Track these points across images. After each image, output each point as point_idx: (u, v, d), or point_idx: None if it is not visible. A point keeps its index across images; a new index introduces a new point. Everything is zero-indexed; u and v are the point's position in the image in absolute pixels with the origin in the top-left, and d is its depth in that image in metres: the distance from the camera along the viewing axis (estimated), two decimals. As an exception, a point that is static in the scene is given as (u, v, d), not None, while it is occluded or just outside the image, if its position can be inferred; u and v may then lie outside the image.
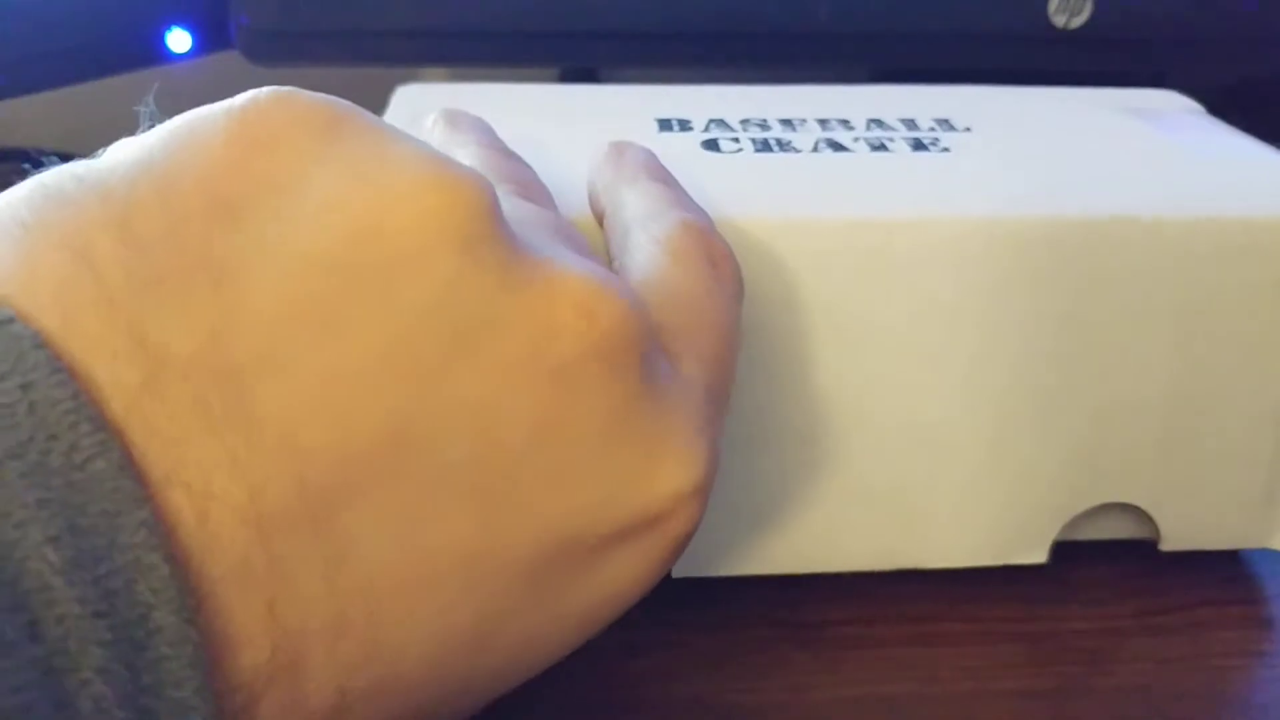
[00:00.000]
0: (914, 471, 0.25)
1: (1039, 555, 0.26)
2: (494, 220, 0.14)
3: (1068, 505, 0.26)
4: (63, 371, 0.11)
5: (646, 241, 0.19)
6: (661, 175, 0.22)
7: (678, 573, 0.24)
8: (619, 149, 0.23)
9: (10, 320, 0.12)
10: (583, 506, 0.15)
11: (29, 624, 0.10)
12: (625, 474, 0.15)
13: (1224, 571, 0.29)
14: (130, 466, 0.11)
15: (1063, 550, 0.27)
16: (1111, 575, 0.29)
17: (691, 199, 0.22)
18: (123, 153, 0.14)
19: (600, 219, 0.22)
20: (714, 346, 0.18)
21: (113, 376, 0.12)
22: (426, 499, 0.13)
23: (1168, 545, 0.26)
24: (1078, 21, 0.39)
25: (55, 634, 0.10)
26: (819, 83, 0.34)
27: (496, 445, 0.14)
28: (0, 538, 0.10)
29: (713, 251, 0.19)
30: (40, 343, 0.12)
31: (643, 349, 0.15)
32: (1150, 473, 0.26)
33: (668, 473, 0.16)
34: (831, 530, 0.25)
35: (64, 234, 0.13)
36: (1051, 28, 0.39)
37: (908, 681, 0.26)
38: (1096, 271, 0.25)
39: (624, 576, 0.16)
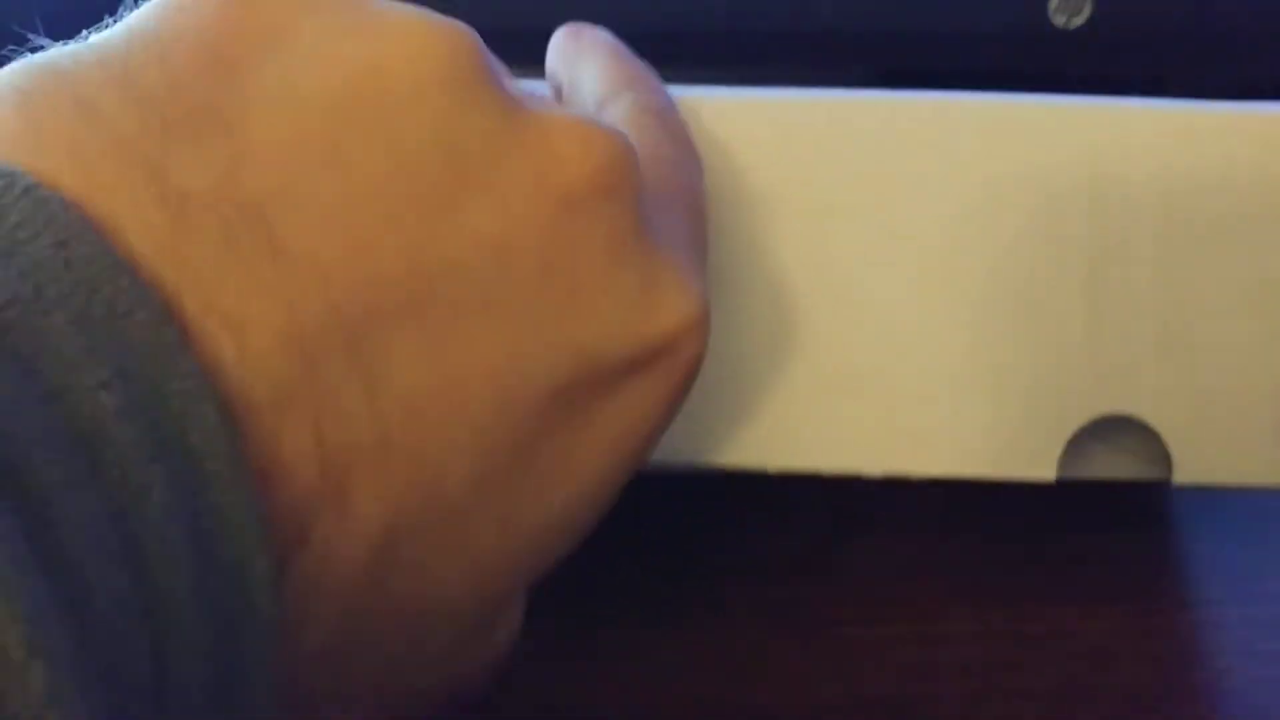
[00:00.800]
0: (895, 367, 0.24)
1: (1046, 471, 0.24)
2: (484, 63, 0.15)
3: (1069, 415, 0.25)
4: (93, 229, 0.12)
5: (607, 120, 0.20)
6: (621, 53, 0.23)
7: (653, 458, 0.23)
8: (577, 28, 0.23)
9: (34, 186, 0.12)
10: (597, 331, 0.16)
11: (89, 465, 0.10)
12: (631, 300, 0.16)
13: (1223, 571, 0.29)
14: (171, 317, 0.12)
15: (1063, 550, 0.27)
16: (1111, 575, 0.29)
17: (653, 77, 0.22)
18: (113, 30, 0.15)
19: (558, 95, 0.23)
20: (689, 211, 0.19)
21: (140, 221, 0.12)
22: (451, 323, 0.14)
23: (1181, 477, 0.24)
24: (1077, 21, 0.39)
25: (114, 475, 0.11)
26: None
27: (511, 273, 0.15)
28: (55, 380, 0.10)
29: (673, 130, 0.20)
30: (67, 203, 0.12)
31: (637, 184, 0.16)
32: (1151, 381, 0.24)
33: (670, 301, 0.17)
34: (812, 426, 0.24)
35: (67, 95, 0.13)
36: (1052, 27, 0.39)
37: (908, 681, 0.26)
38: (1078, 157, 0.24)
39: (644, 403, 0.17)
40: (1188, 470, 0.25)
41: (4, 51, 0.15)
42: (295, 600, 0.13)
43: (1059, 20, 0.40)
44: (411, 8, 0.16)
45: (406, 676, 0.16)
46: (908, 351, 0.24)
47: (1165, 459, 0.25)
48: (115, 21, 0.15)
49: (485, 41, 0.16)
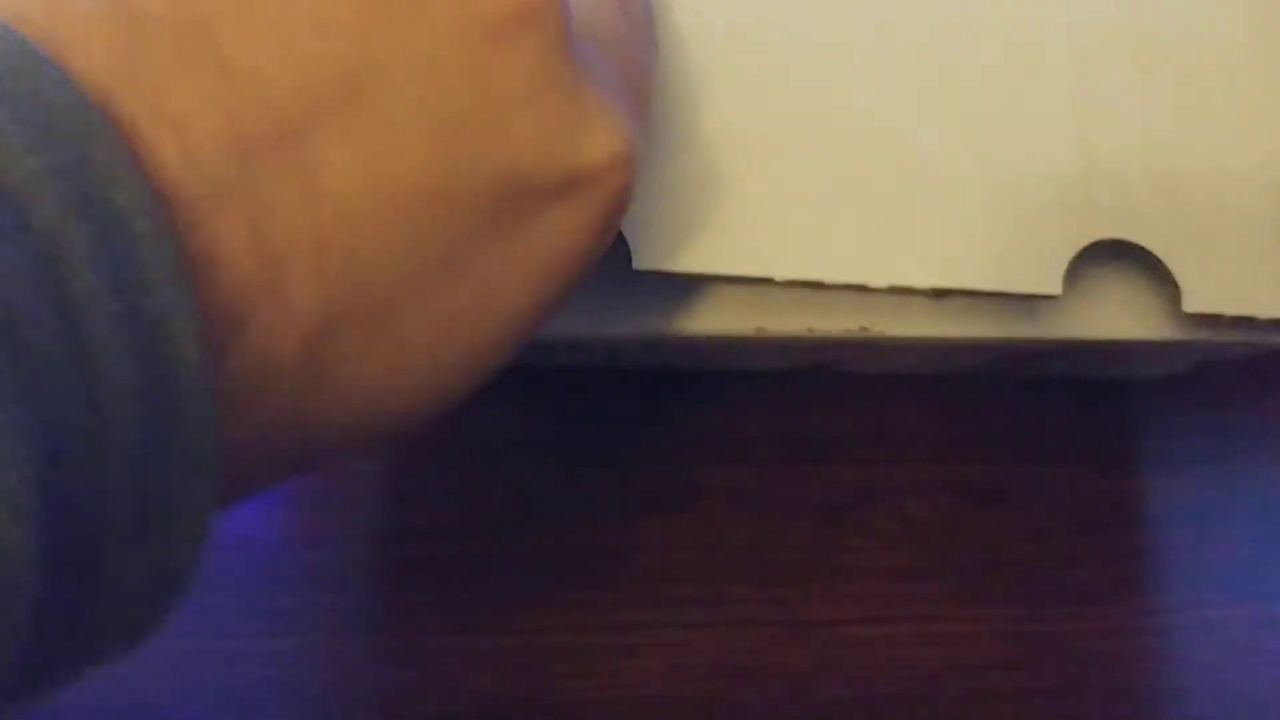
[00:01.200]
0: (896, 186, 0.24)
1: (1051, 286, 0.24)
2: None
3: (1071, 237, 0.25)
4: (29, 41, 0.13)
5: None
6: None
7: (643, 265, 0.23)
8: None
9: None
10: (522, 154, 0.17)
11: (17, 219, 0.11)
12: (555, 128, 0.17)
13: (1223, 571, 0.29)
14: (99, 104, 0.13)
15: (1063, 550, 0.27)
16: (1111, 575, 0.29)
17: None
18: None
19: None
20: (630, 79, 0.20)
21: (98, 39, 0.13)
22: (385, 134, 0.15)
23: (1190, 306, 0.24)
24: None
25: (42, 227, 0.11)
26: None
27: (442, 93, 0.16)
28: None
29: (631, 11, 0.21)
30: (8, 27, 0.13)
31: (563, 21, 0.17)
32: (1147, 206, 0.25)
33: (595, 134, 0.18)
34: (817, 238, 0.24)
35: None
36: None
37: (908, 681, 0.26)
38: None
39: (570, 230, 0.18)
40: (1197, 299, 0.24)
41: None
42: (239, 376, 0.14)
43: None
44: None
45: (356, 444, 0.17)
46: (908, 172, 0.24)
47: (1174, 293, 0.25)
48: None
49: None
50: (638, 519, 0.30)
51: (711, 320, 0.25)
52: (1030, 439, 0.31)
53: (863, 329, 0.25)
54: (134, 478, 0.12)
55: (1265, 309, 0.25)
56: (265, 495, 0.30)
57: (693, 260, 0.23)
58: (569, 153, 0.17)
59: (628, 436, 0.31)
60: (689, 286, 0.24)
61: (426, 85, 0.16)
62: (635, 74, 0.20)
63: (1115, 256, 0.25)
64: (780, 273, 0.24)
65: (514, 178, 0.17)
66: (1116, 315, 0.25)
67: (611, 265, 0.24)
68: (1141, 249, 0.24)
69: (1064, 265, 0.24)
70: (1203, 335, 0.25)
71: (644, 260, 0.23)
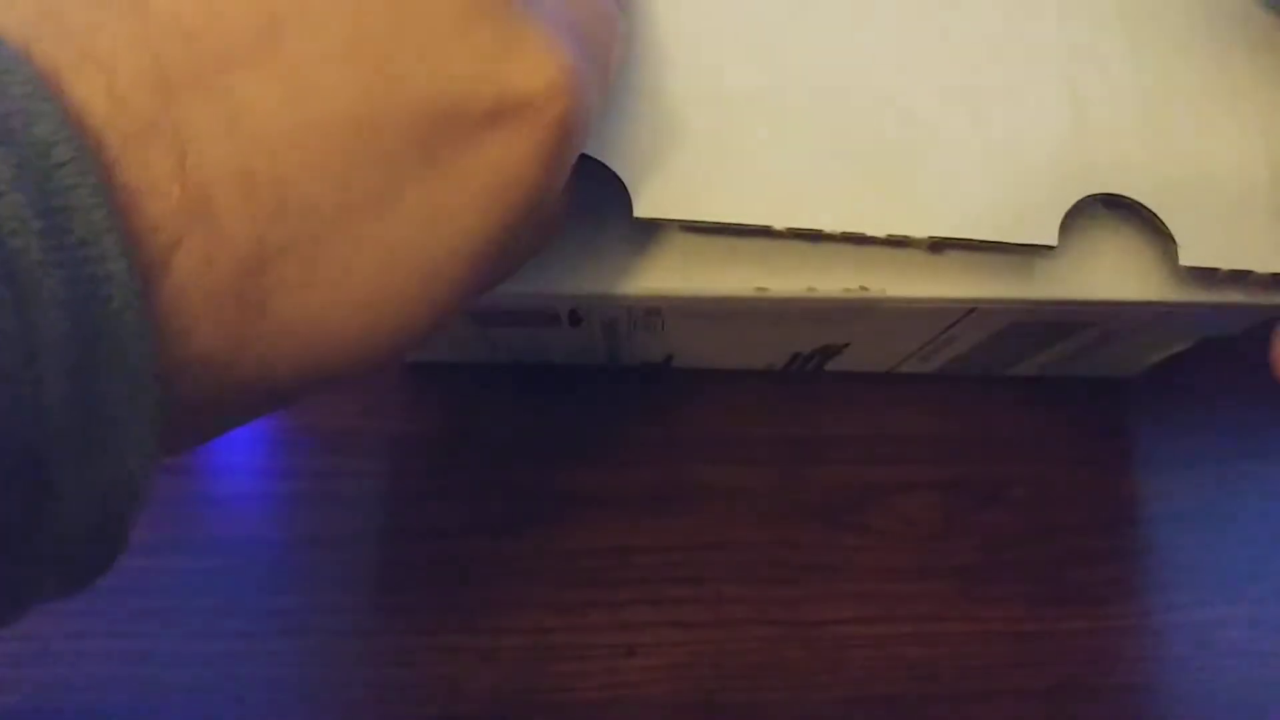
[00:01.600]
0: (894, 138, 0.25)
1: (1047, 237, 0.24)
2: None
3: (1067, 189, 0.25)
4: None
5: None
6: None
7: (644, 213, 0.23)
8: None
9: None
10: (453, 80, 0.17)
11: None
12: (487, 53, 0.17)
13: (1223, 571, 0.29)
14: (20, 49, 0.13)
15: (1063, 550, 0.27)
16: (1111, 575, 0.29)
17: None
18: None
19: None
20: (589, 29, 0.20)
21: None
22: (308, 68, 0.16)
23: (1187, 259, 0.25)
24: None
25: None
26: None
27: (366, 25, 0.16)
28: None
29: None
30: None
31: None
32: (1141, 161, 0.25)
33: (531, 60, 0.18)
34: (816, 188, 0.24)
35: None
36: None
37: (908, 681, 0.26)
38: None
39: (508, 159, 0.18)
40: (1193, 253, 0.25)
41: None
42: (179, 299, 0.14)
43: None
44: None
45: (321, 378, 0.17)
46: (905, 130, 0.25)
47: (1171, 250, 0.25)
48: None
49: None
50: (638, 519, 0.30)
51: (712, 281, 0.25)
52: (1030, 439, 0.31)
53: (862, 288, 0.25)
54: (74, 389, 0.13)
55: (1262, 263, 0.25)
56: (268, 498, 0.30)
57: (693, 209, 0.23)
58: (500, 79, 0.17)
59: (628, 436, 0.31)
60: (690, 249, 0.25)
61: (349, 18, 0.16)
62: (591, 13, 0.20)
63: (1112, 218, 0.25)
64: (780, 222, 0.24)
65: (444, 106, 0.17)
66: (1114, 276, 0.26)
67: (613, 227, 0.25)
68: (1137, 204, 0.25)
69: (1059, 217, 0.24)
70: (1200, 295, 0.25)
71: (645, 209, 0.23)
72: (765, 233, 0.24)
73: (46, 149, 0.13)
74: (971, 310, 0.27)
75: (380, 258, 0.17)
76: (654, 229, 0.25)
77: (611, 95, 0.23)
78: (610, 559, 0.29)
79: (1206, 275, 0.25)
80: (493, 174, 0.18)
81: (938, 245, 0.24)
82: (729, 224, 0.24)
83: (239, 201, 0.15)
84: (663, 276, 0.25)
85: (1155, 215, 0.25)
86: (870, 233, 0.24)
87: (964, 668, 0.26)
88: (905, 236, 0.24)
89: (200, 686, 0.28)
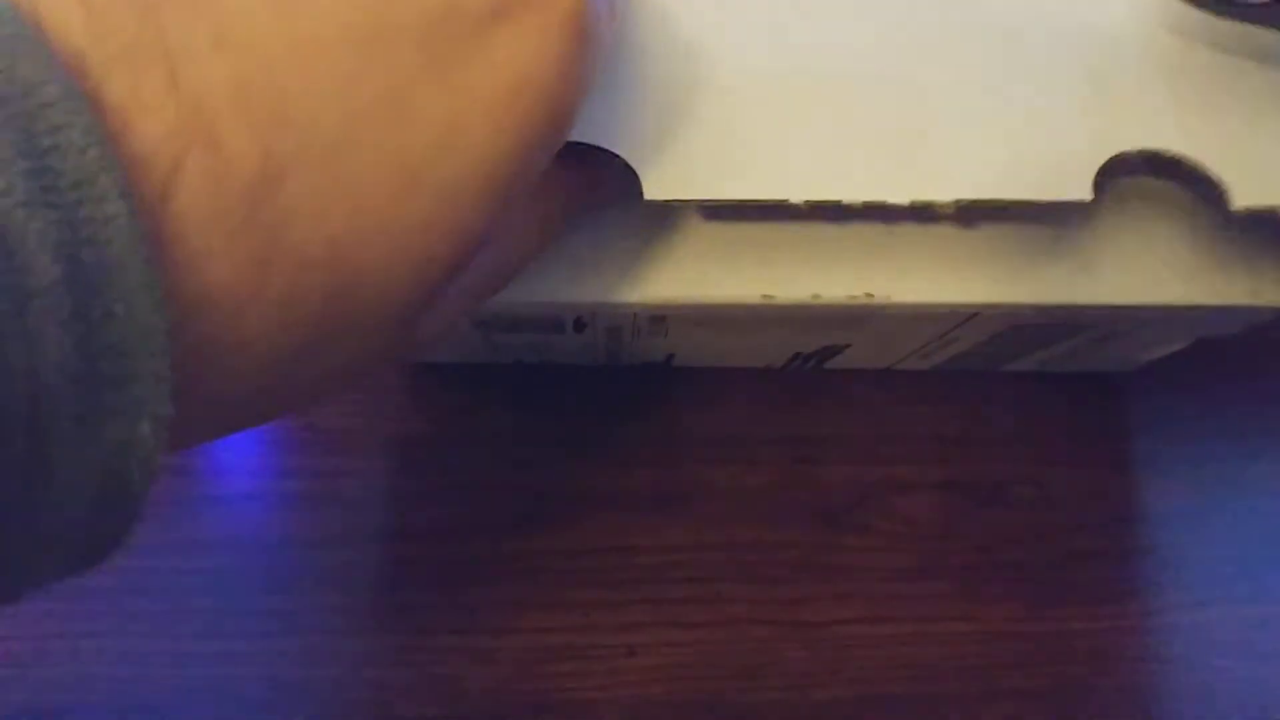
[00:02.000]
0: (913, 109, 0.24)
1: (1081, 192, 0.23)
2: None
3: (1099, 146, 0.24)
4: None
5: None
6: None
7: (654, 195, 0.23)
8: None
9: None
10: None
11: None
12: None
13: (1223, 571, 0.29)
14: None
15: (1063, 550, 0.27)
16: (1111, 575, 0.29)
17: None
18: None
19: None
20: None
21: None
22: None
23: (1241, 201, 0.23)
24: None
25: None
26: None
27: None
28: None
29: None
30: None
31: None
32: (1167, 119, 0.24)
33: None
34: (834, 160, 0.24)
35: None
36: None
37: (908, 681, 0.26)
38: None
39: (519, 58, 0.17)
40: (1244, 195, 0.23)
41: None
42: (185, 222, 0.14)
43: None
44: None
45: (356, 316, 0.17)
46: (921, 107, 0.24)
47: (1217, 194, 0.24)
48: None
49: None
50: (638, 519, 0.30)
51: (718, 288, 0.25)
52: (1030, 438, 0.31)
53: (868, 295, 0.25)
54: (72, 343, 0.12)
55: None
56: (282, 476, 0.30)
57: (705, 188, 0.23)
58: None
59: (628, 436, 0.31)
60: (696, 256, 0.24)
61: None
62: None
63: (1115, 218, 0.25)
64: (797, 194, 0.23)
65: (445, 7, 0.16)
66: (1118, 279, 0.25)
67: (619, 235, 0.25)
68: (1176, 158, 0.24)
69: (1093, 172, 0.23)
70: (1203, 298, 0.25)
71: (655, 190, 0.22)
72: (781, 211, 0.23)
73: (33, 88, 0.12)
74: (975, 314, 0.27)
75: (395, 176, 0.16)
76: (660, 235, 0.25)
77: (614, 83, 0.23)
78: (611, 559, 0.29)
79: (1263, 215, 0.23)
80: (506, 75, 0.17)
81: (967, 213, 0.24)
82: (743, 201, 0.23)
83: (238, 116, 0.14)
84: (669, 284, 0.24)
85: (1198, 166, 0.23)
86: (893, 200, 0.23)
87: (964, 668, 0.26)
88: (930, 202, 0.23)
89: (200, 686, 0.28)
